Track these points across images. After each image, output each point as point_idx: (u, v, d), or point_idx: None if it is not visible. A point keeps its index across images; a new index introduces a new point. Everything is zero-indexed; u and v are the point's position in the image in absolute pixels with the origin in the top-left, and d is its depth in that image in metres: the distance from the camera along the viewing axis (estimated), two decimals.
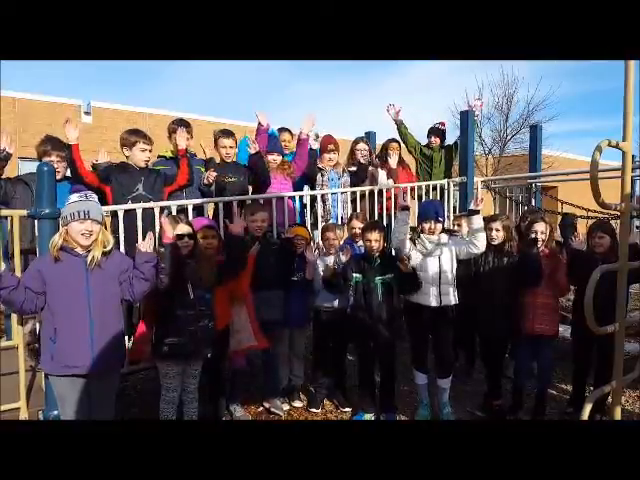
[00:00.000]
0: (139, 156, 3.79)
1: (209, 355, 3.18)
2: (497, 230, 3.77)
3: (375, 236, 3.70)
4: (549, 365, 4.00)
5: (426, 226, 3.77)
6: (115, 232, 3.51)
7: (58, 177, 3.63)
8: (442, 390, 3.92)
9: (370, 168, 5.37)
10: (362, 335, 3.85)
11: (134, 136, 3.81)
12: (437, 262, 3.74)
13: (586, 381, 3.92)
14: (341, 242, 4.16)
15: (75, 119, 14.88)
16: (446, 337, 3.88)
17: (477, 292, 3.81)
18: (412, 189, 5.62)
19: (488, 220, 3.86)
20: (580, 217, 5.53)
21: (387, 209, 5.28)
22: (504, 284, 3.73)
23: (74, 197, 2.70)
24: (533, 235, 3.84)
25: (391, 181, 5.26)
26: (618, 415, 1.87)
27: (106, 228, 3.64)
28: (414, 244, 3.79)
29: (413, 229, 3.97)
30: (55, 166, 3.60)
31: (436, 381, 3.93)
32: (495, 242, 3.77)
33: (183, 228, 3.06)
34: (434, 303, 3.72)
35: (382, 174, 5.30)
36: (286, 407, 4.10)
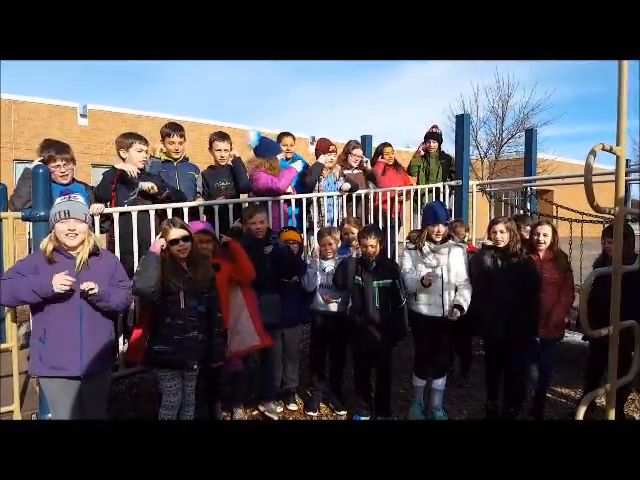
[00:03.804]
0: (136, 157, 3.81)
1: (194, 367, 3.08)
2: (501, 232, 3.66)
3: (372, 242, 3.68)
4: (550, 368, 4.00)
5: (433, 229, 3.78)
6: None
7: (66, 181, 3.69)
8: (436, 392, 3.93)
9: (357, 172, 5.37)
10: (358, 338, 3.84)
11: (130, 138, 3.84)
12: (440, 272, 3.75)
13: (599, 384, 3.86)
14: (338, 245, 4.16)
15: (72, 122, 14.90)
16: (445, 344, 3.93)
17: (483, 294, 3.73)
18: (407, 192, 5.65)
19: (491, 223, 3.81)
20: (575, 221, 5.57)
21: (383, 212, 5.29)
22: (510, 286, 3.60)
23: (58, 200, 2.73)
24: (536, 238, 3.84)
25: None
26: (612, 417, 1.87)
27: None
28: (422, 254, 3.80)
29: (418, 236, 3.93)
30: (62, 170, 3.65)
31: (431, 383, 3.95)
32: (501, 244, 3.67)
33: (176, 232, 3.03)
34: (434, 313, 3.75)
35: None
36: (279, 409, 4.10)
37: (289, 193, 4.53)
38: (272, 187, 4.35)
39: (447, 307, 3.73)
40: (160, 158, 4.25)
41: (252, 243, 3.79)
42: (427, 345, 3.87)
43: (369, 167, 5.48)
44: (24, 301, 2.60)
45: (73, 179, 3.80)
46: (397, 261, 4.97)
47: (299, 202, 4.72)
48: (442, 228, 3.77)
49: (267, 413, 3.96)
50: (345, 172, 5.21)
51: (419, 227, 5.79)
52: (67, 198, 2.72)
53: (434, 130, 6.28)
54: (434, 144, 6.20)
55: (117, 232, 3.53)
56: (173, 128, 4.24)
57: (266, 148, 4.54)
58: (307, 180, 4.80)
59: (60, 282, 2.51)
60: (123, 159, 3.85)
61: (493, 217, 4.17)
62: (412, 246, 3.88)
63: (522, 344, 3.72)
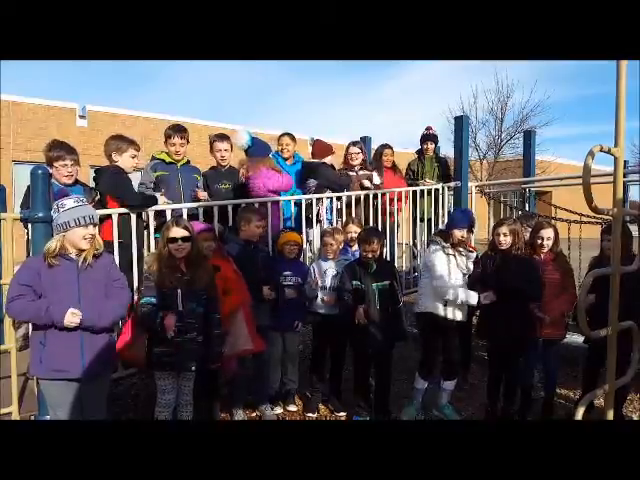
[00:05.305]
0: (129, 162, 3.80)
1: (193, 368, 3.10)
2: (505, 235, 3.68)
3: (374, 246, 3.71)
4: (554, 368, 4.00)
5: (460, 233, 3.87)
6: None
7: (71, 181, 3.74)
8: (445, 392, 3.98)
9: (362, 173, 5.35)
10: (358, 340, 3.85)
11: (125, 143, 3.79)
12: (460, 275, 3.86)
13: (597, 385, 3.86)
14: (340, 246, 4.16)
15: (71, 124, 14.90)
16: (455, 344, 3.99)
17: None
18: (406, 194, 5.65)
19: (495, 226, 3.84)
20: (574, 222, 5.57)
21: (382, 214, 5.28)
22: (513, 288, 3.61)
23: (71, 203, 2.68)
24: (539, 241, 3.85)
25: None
26: (610, 418, 1.87)
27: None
28: (455, 257, 3.86)
29: (445, 237, 3.94)
30: (69, 170, 3.70)
31: (442, 384, 3.99)
32: (503, 247, 3.70)
33: (177, 232, 3.03)
34: (460, 317, 3.87)
35: (375, 177, 5.31)
36: (279, 410, 4.09)
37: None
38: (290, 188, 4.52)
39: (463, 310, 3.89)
40: (165, 160, 4.25)
41: (244, 246, 3.81)
42: (436, 345, 3.94)
43: (377, 181, 5.43)
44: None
45: (76, 180, 3.82)
46: (400, 262, 4.98)
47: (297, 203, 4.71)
48: (468, 234, 3.93)
49: (263, 418, 3.95)
50: (349, 173, 5.20)
51: (418, 229, 5.83)
52: (80, 201, 2.72)
53: (429, 132, 6.29)
54: (430, 145, 6.21)
55: (116, 233, 3.52)
56: (174, 130, 4.25)
57: (259, 148, 4.52)
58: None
59: (70, 319, 2.56)
60: (115, 162, 3.82)
61: (492, 218, 4.19)
62: (451, 251, 3.87)
63: (525, 345, 3.74)
